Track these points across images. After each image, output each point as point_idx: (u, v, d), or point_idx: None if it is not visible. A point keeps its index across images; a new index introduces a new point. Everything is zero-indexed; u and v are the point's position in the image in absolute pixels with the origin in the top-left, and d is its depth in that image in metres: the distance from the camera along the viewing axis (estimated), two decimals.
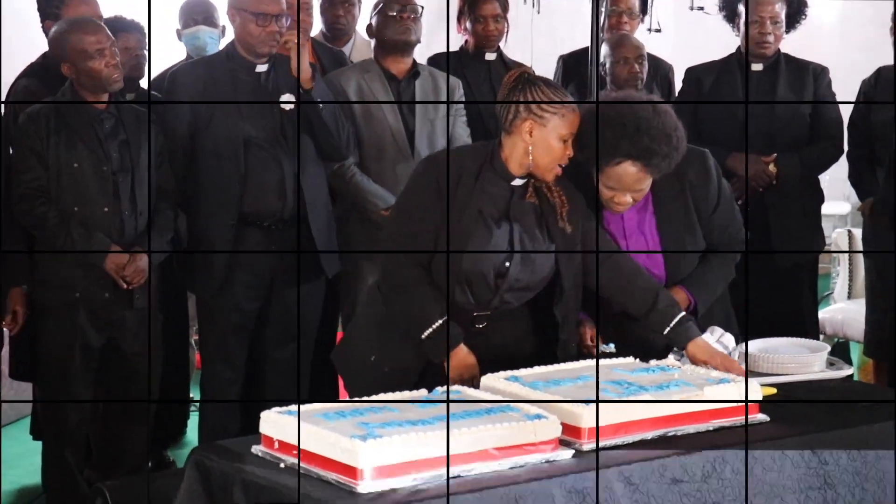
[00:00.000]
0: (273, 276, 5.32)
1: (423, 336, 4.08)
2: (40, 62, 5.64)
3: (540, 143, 4.05)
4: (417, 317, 4.10)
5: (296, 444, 3.41)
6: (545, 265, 4.16)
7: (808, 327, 5.71)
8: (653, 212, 4.37)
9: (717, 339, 4.19)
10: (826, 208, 6.28)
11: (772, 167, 5.69)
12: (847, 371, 4.26)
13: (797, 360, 4.20)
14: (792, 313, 5.69)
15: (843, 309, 6.83)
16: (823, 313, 6.67)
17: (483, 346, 4.14)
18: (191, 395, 6.53)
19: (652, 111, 4.14)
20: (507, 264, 4.11)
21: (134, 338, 5.25)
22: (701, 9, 5.91)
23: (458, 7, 6.26)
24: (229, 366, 5.40)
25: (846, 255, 6.75)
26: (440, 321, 4.06)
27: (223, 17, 6.45)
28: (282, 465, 3.43)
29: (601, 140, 4.09)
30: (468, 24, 6.22)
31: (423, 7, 5.70)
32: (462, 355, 4.08)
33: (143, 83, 6.04)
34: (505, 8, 6.21)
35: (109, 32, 5.16)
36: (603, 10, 6.18)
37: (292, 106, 5.24)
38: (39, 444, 5.59)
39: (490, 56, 6.23)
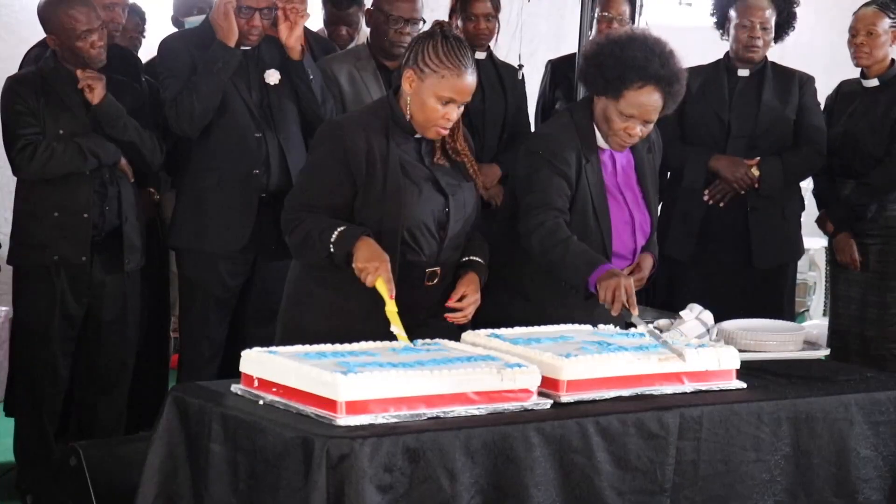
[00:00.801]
0: (257, 251, 5.34)
1: (331, 242, 3.89)
2: None
3: (416, 98, 3.97)
4: (319, 234, 3.93)
5: (276, 381, 3.44)
6: (472, 202, 4.14)
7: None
8: (634, 167, 4.51)
9: (697, 315, 4.23)
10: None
11: (754, 170, 5.74)
12: (822, 352, 4.31)
13: (776, 338, 4.24)
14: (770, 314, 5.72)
15: (819, 325, 6.88)
16: None
17: (441, 304, 4.09)
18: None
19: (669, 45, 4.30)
20: (447, 210, 4.07)
21: (113, 305, 5.28)
22: (689, 4, 5.97)
23: (450, 5, 6.30)
24: (209, 342, 5.41)
25: (824, 271, 6.82)
26: (342, 227, 3.91)
27: None
28: (261, 402, 3.45)
29: (630, 60, 4.19)
30: (459, 23, 6.25)
31: (424, 20, 5.67)
32: (370, 243, 3.89)
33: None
34: (497, 7, 6.25)
35: (99, 12, 5.19)
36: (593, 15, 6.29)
37: (277, 81, 5.32)
38: (11, 424, 5.59)
39: (480, 55, 6.26)
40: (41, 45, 5.62)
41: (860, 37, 5.79)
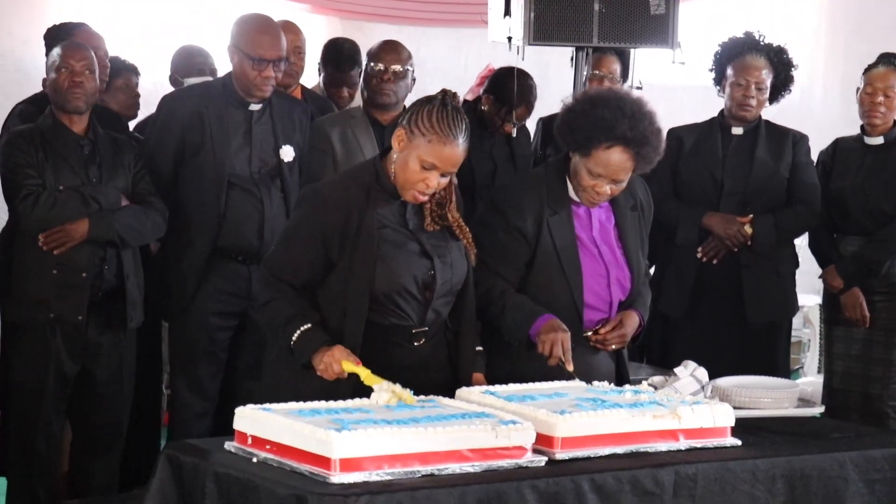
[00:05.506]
0: (245, 307, 5.34)
1: (292, 340, 3.93)
2: (42, 93, 5.70)
3: (401, 158, 3.96)
4: (284, 325, 3.95)
5: (270, 438, 3.43)
6: (461, 262, 4.12)
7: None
8: (615, 223, 4.45)
9: (691, 372, 4.23)
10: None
11: (747, 228, 5.75)
12: (817, 409, 4.30)
13: (770, 395, 4.23)
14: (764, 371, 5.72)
15: (813, 382, 6.86)
16: None
17: (429, 361, 4.09)
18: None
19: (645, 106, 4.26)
20: (432, 272, 4.05)
21: (109, 365, 5.26)
22: (682, 63, 5.99)
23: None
24: (200, 396, 5.39)
25: (818, 328, 6.81)
26: (305, 326, 3.93)
27: (217, 63, 6.56)
28: (254, 460, 3.44)
29: (598, 120, 4.17)
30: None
31: (410, 69, 5.72)
32: (325, 352, 3.89)
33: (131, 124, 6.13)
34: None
35: (94, 59, 5.19)
36: (584, 73, 6.33)
37: (291, 158, 5.35)
38: (3, 482, 5.55)
39: None
40: (27, 101, 5.63)
41: (879, 96, 5.80)
